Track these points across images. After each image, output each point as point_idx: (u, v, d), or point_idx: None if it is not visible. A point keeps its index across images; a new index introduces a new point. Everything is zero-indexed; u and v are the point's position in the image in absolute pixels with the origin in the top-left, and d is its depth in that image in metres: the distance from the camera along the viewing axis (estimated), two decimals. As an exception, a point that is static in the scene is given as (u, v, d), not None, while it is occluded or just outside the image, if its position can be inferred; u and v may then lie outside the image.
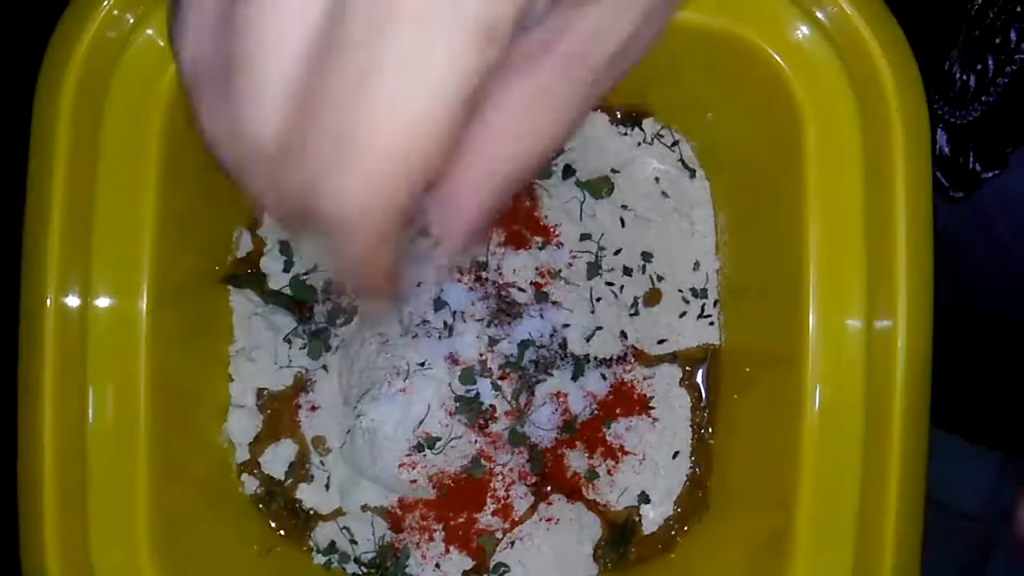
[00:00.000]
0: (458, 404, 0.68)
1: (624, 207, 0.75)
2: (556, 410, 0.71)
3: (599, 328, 0.72)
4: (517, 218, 0.72)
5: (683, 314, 0.75)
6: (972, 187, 0.67)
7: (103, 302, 0.64)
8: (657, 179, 0.76)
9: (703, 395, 0.76)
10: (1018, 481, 1.22)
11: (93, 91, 0.63)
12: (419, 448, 0.68)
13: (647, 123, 0.76)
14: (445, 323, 0.69)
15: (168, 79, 0.64)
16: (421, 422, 0.68)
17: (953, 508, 1.24)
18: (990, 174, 0.65)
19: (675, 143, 0.76)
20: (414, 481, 0.69)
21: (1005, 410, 0.89)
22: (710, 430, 0.76)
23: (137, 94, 0.64)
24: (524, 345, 0.70)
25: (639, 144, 0.76)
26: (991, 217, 0.69)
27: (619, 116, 0.77)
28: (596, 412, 0.73)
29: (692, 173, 0.76)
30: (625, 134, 0.76)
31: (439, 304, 0.68)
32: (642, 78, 0.74)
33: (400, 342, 0.68)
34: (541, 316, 0.70)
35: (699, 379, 0.76)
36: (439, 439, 0.68)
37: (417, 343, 0.68)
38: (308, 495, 0.74)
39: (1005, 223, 0.69)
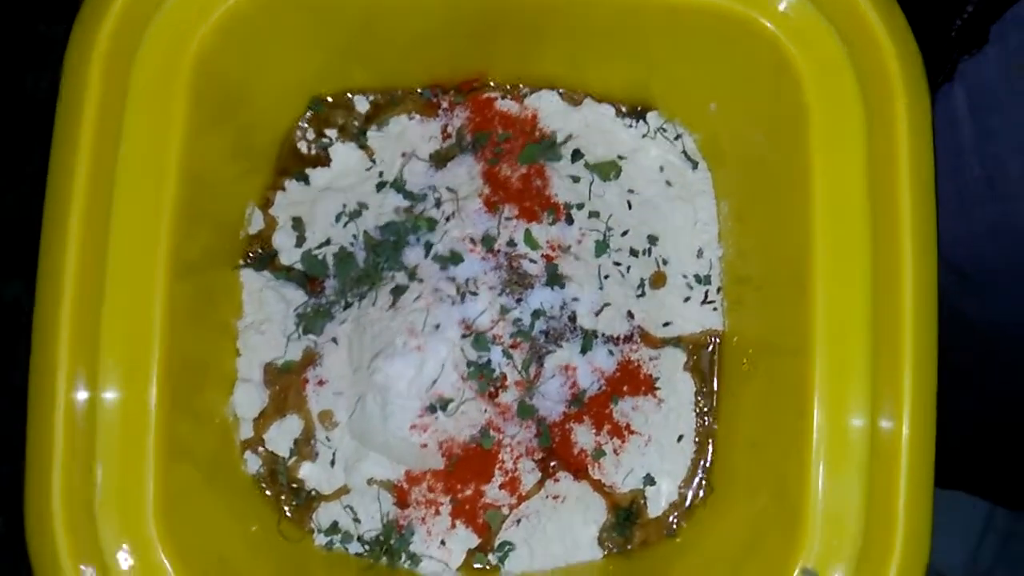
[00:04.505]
0: (470, 369, 0.69)
1: (631, 191, 0.77)
2: (565, 383, 0.71)
3: (607, 304, 0.73)
4: (528, 195, 0.74)
5: (687, 299, 0.77)
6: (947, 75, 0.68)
7: (120, 272, 0.63)
8: (662, 168, 0.78)
9: (707, 381, 0.77)
10: (999, 544, 1.21)
11: (121, 55, 0.64)
12: (431, 409, 0.68)
13: (651, 116, 0.79)
14: (458, 289, 0.70)
15: (196, 42, 0.65)
16: (434, 382, 0.68)
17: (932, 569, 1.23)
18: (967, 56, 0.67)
19: (678, 136, 0.78)
20: (424, 445, 0.69)
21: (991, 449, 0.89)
22: (714, 415, 0.76)
23: (162, 62, 0.65)
24: (535, 314, 0.70)
25: (643, 136, 0.78)
26: (957, 123, 0.69)
27: (624, 110, 0.79)
28: (604, 388, 0.73)
29: (695, 165, 0.78)
30: (630, 126, 0.79)
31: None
32: (645, 70, 0.76)
33: (414, 307, 0.69)
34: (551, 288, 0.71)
35: (703, 365, 0.77)
36: (451, 400, 0.68)
37: (430, 308, 0.69)
38: (311, 475, 0.74)
39: (970, 128, 0.69)
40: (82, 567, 0.60)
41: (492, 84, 0.78)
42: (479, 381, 0.69)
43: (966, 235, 0.73)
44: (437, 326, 0.68)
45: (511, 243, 0.72)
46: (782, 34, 0.65)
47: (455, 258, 0.71)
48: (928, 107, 0.63)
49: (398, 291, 0.71)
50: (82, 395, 0.62)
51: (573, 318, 0.72)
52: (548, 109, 0.78)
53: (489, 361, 0.69)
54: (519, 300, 0.71)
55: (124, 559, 0.62)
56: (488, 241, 0.72)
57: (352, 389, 0.72)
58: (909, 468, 0.62)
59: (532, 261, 0.72)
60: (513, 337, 0.70)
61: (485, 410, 0.70)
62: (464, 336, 0.69)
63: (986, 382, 0.81)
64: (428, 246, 0.72)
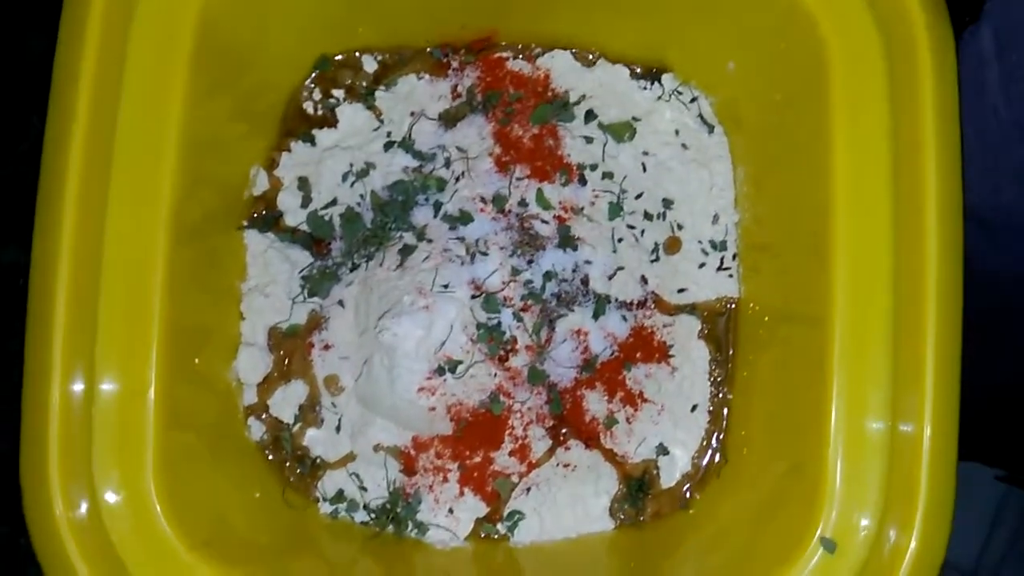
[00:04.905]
0: (480, 331, 0.67)
1: (645, 153, 0.75)
2: (576, 347, 0.70)
3: (620, 268, 0.72)
4: (540, 155, 0.72)
5: (702, 265, 0.75)
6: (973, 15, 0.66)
7: (120, 232, 0.62)
8: (677, 132, 0.76)
9: (722, 349, 0.75)
10: (1010, 538, 1.20)
11: (119, 11, 0.62)
12: (440, 372, 0.66)
13: (666, 78, 0.77)
14: (468, 249, 0.68)
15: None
16: (443, 343, 0.66)
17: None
18: None
19: (693, 99, 0.76)
20: (432, 409, 0.67)
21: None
22: (729, 385, 0.75)
23: (163, 18, 0.63)
24: (547, 276, 0.69)
25: (658, 98, 0.76)
26: (984, 64, 0.67)
27: (639, 71, 0.77)
28: (616, 354, 0.71)
29: (711, 129, 0.76)
30: (645, 88, 0.77)
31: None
32: (661, 28, 0.74)
33: (423, 267, 0.67)
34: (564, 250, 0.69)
35: (718, 333, 0.75)
36: (460, 362, 0.66)
37: (439, 268, 0.67)
38: (316, 442, 0.72)
39: (997, 69, 0.67)
40: (71, 513, 0.59)
41: (503, 44, 0.76)
42: (489, 344, 0.67)
43: (990, 182, 0.71)
44: (446, 286, 0.67)
45: (522, 203, 0.70)
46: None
47: (465, 218, 0.69)
48: (953, 56, 0.61)
49: (406, 251, 0.69)
50: (80, 359, 0.60)
51: (586, 281, 0.70)
52: (560, 69, 0.76)
53: (499, 323, 0.67)
54: (530, 262, 0.69)
55: (120, 512, 0.60)
56: (499, 201, 0.70)
57: (358, 353, 0.70)
58: (932, 442, 0.60)
59: (544, 222, 0.70)
60: (524, 299, 0.68)
61: (495, 374, 0.68)
62: (474, 297, 0.67)
63: (1007, 341, 0.79)
64: (437, 206, 0.70)
